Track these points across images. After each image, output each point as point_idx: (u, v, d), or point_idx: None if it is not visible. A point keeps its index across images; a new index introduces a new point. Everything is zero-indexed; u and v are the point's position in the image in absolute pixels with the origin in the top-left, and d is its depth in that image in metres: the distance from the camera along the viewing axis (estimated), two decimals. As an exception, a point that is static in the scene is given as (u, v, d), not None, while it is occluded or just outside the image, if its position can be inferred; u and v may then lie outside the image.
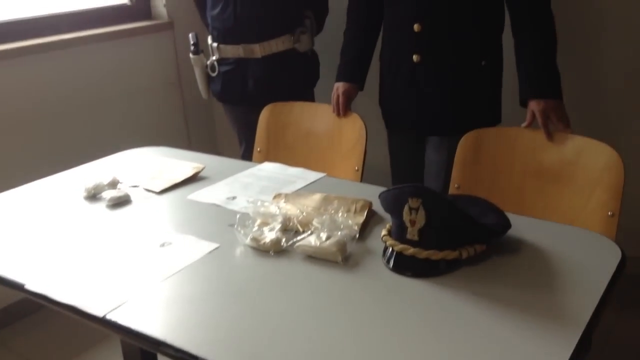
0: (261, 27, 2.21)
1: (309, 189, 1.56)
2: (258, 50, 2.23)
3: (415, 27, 1.81)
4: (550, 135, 1.66)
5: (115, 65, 2.62)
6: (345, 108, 2.01)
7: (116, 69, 2.63)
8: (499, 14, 1.83)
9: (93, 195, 1.57)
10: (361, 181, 1.89)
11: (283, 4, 2.21)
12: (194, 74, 2.43)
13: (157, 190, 1.60)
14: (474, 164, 1.75)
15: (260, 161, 2.04)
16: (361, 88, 2.05)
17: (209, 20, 2.33)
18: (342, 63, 2.05)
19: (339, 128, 2.04)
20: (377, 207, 1.31)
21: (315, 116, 2.13)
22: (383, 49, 2.00)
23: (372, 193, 1.34)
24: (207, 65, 2.37)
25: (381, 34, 2.01)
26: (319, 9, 2.32)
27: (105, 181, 1.60)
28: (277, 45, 2.24)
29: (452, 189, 1.74)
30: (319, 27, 2.34)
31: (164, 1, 2.77)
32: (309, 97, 2.37)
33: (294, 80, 2.29)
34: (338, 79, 2.04)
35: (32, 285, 1.16)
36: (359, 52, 2.02)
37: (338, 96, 2.01)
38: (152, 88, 2.79)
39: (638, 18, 2.02)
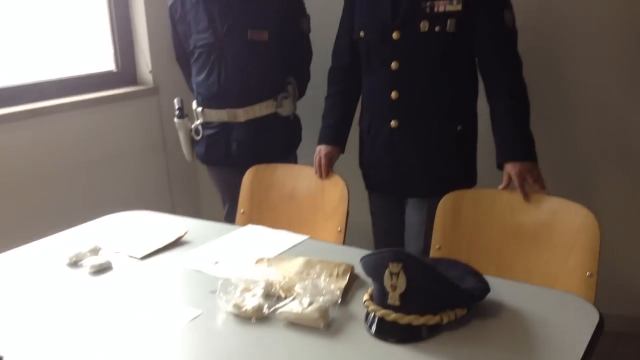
0: (245, 93, 2.27)
1: (292, 252, 1.57)
2: (241, 114, 2.29)
3: (393, 94, 1.88)
4: (526, 197, 1.70)
5: (101, 129, 2.66)
6: (327, 170, 2.05)
7: (102, 134, 2.66)
8: (473, 81, 1.91)
9: (75, 263, 1.57)
10: (344, 242, 1.91)
11: (266, 71, 2.28)
12: (178, 138, 2.47)
13: (140, 256, 1.60)
14: (453, 225, 1.77)
15: (244, 222, 2.06)
16: (342, 150, 2.10)
17: (194, 85, 2.39)
18: (323, 127, 2.10)
19: (322, 189, 2.07)
20: (360, 270, 1.32)
21: (299, 178, 2.16)
22: (362, 114, 2.06)
23: (354, 256, 1.35)
24: (191, 129, 2.41)
25: (360, 99, 2.07)
26: (301, 76, 2.39)
27: (87, 248, 1.60)
28: (260, 109, 2.30)
29: (434, 250, 1.76)
30: (300, 92, 2.41)
31: (149, 67, 2.83)
32: (292, 159, 2.41)
33: (277, 144, 2.34)
34: (320, 142, 2.08)
35: (10, 358, 1.14)
36: (340, 117, 2.08)
37: (320, 158, 2.05)
38: (136, 152, 2.82)
39: (608, 86, 2.11)
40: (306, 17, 2.33)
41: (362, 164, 2.10)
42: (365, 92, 2.03)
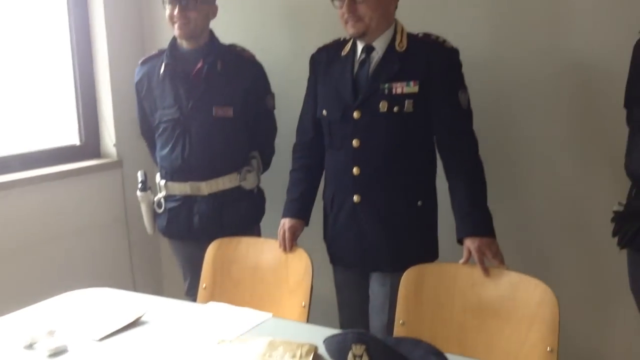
0: (208, 167, 2.29)
1: (255, 332, 1.55)
2: (204, 188, 2.30)
3: (354, 170, 1.93)
4: (486, 271, 1.74)
5: (63, 203, 2.63)
6: (291, 243, 2.05)
7: (64, 208, 2.63)
8: (432, 158, 1.98)
9: (30, 345, 1.52)
10: (308, 317, 1.89)
11: (230, 146, 2.30)
12: (140, 211, 2.45)
13: (97, 338, 1.55)
14: (416, 299, 1.79)
15: (206, 298, 2.03)
16: (307, 223, 2.12)
17: (158, 159, 2.40)
18: (288, 200, 2.13)
19: (286, 263, 2.07)
20: (324, 350, 1.31)
21: (262, 251, 2.15)
22: (326, 188, 2.09)
23: (318, 335, 1.35)
24: (153, 202, 2.41)
25: (324, 174, 2.11)
26: (265, 150, 2.43)
27: (43, 329, 1.55)
28: (224, 183, 2.31)
29: (397, 325, 1.77)
30: (265, 166, 2.44)
31: (113, 141, 2.84)
32: (255, 232, 2.41)
33: (239, 217, 2.34)
34: (284, 215, 2.10)
35: None
36: (304, 190, 2.11)
37: (284, 232, 2.06)
38: (98, 226, 2.79)
39: (561, 162, 2.20)
40: (271, 95, 2.39)
41: (326, 238, 2.12)
42: (328, 167, 2.07)
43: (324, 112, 2.01)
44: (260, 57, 2.37)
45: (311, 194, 2.13)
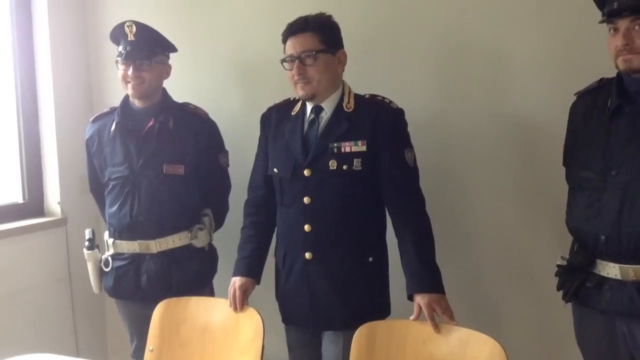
0: (157, 225, 2.25)
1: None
2: (154, 246, 2.25)
3: (306, 227, 1.94)
4: (436, 327, 1.75)
5: (4, 263, 2.53)
6: (242, 302, 2.02)
7: (4, 268, 2.53)
8: (382, 214, 2.01)
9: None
10: (260, 378, 1.85)
11: (180, 204, 2.28)
12: (85, 270, 2.38)
13: (36, 410, 1.47)
14: (369, 357, 1.78)
15: (153, 363, 1.96)
16: (258, 282, 2.09)
17: (107, 217, 2.35)
18: (239, 259, 2.10)
19: (236, 323, 2.03)
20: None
21: (212, 311, 2.10)
22: (278, 245, 2.09)
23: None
24: (100, 260, 2.34)
25: (275, 231, 2.11)
26: (218, 208, 2.40)
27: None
28: (174, 241, 2.27)
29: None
30: (218, 223, 2.41)
31: (58, 199, 2.78)
32: (207, 292, 2.36)
33: (190, 276, 2.29)
34: (235, 274, 2.07)
35: None
36: (255, 248, 2.10)
37: (235, 290, 2.03)
38: (40, 287, 2.70)
39: (506, 214, 2.27)
40: (224, 153, 2.39)
41: (278, 296, 2.09)
42: (280, 224, 2.07)
43: (275, 169, 2.03)
44: (213, 114, 2.39)
45: (262, 252, 2.11)
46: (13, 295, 2.57)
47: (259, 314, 1.97)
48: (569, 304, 1.80)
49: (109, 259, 2.32)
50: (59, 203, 2.79)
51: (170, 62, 2.35)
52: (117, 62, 2.25)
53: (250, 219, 2.13)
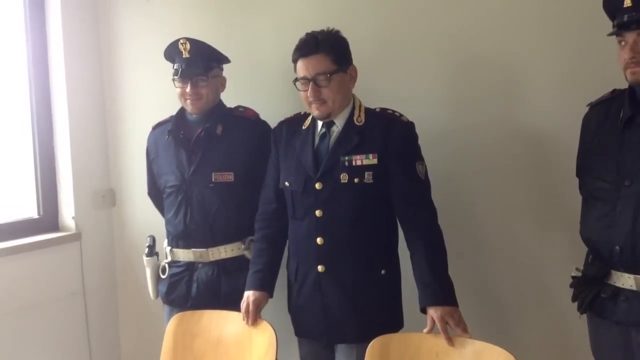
0: (209, 234, 2.26)
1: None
2: (207, 255, 2.27)
3: (318, 240, 1.94)
4: (450, 340, 1.75)
5: (19, 278, 2.55)
6: (255, 316, 2.02)
7: (19, 283, 2.55)
8: (394, 227, 2.01)
9: None
10: (272, 391, 1.85)
11: (231, 213, 2.26)
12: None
13: None
14: (383, 371, 1.77)
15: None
16: (271, 295, 2.10)
17: (165, 223, 2.38)
18: (251, 272, 2.11)
19: (249, 336, 2.03)
20: None
21: (225, 325, 2.11)
22: (290, 258, 2.09)
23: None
24: (159, 267, 2.38)
25: (287, 244, 2.12)
26: None
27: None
28: (226, 251, 2.27)
29: (364, 398, 1.74)
30: None
31: (72, 213, 2.81)
32: None
33: (239, 287, 2.22)
34: (248, 288, 2.08)
35: None
36: (267, 262, 2.10)
37: (248, 304, 2.03)
38: (54, 302, 2.71)
39: (518, 230, 2.26)
40: None
41: (291, 309, 2.10)
42: (291, 237, 2.08)
43: (287, 183, 2.04)
44: (268, 115, 2.34)
45: (275, 265, 2.12)
46: (28, 309, 2.59)
47: (272, 327, 1.97)
48: (584, 316, 1.79)
49: (166, 266, 2.35)
50: (73, 218, 2.81)
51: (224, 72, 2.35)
52: (173, 80, 2.27)
53: (262, 233, 2.14)
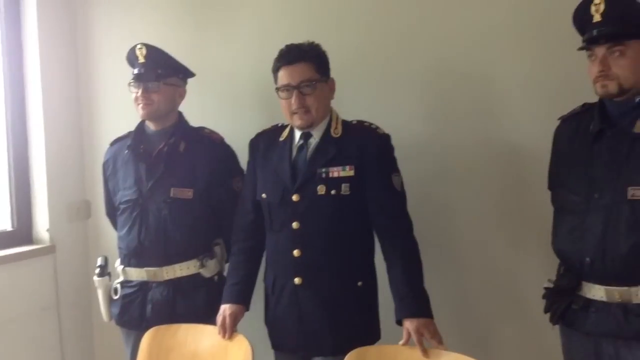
0: (164, 252, 2.22)
1: None
2: (161, 274, 2.23)
3: (295, 252, 1.94)
4: (425, 352, 1.75)
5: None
6: (232, 330, 2.01)
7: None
8: (370, 238, 2.02)
9: None
10: (249, 407, 1.83)
11: (189, 231, 2.23)
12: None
13: None
14: (359, 383, 1.77)
15: (141, 393, 1.93)
16: (247, 308, 2.08)
17: (117, 241, 2.34)
18: (227, 285, 2.09)
19: (225, 350, 2.02)
20: None
21: (201, 339, 2.09)
22: (267, 271, 2.09)
23: None
24: (111, 288, 2.32)
25: (264, 256, 2.11)
26: (230, 237, 2.27)
27: None
28: (181, 270, 2.24)
29: (340, 410, 1.74)
30: (230, 253, 2.30)
31: (47, 226, 2.77)
32: (214, 323, 2.29)
33: (195, 307, 2.22)
34: (224, 301, 2.06)
35: None
36: (244, 275, 2.09)
37: (224, 318, 2.02)
38: (28, 315, 2.66)
39: (494, 241, 2.29)
40: (240, 177, 2.28)
41: (267, 322, 2.08)
42: (269, 249, 2.07)
43: (264, 195, 2.03)
44: (233, 139, 2.34)
45: (252, 278, 2.10)
46: (0, 323, 2.54)
47: (248, 340, 1.96)
48: (557, 326, 1.81)
49: (118, 286, 2.30)
50: (47, 230, 2.77)
51: (189, 85, 2.34)
52: (129, 84, 2.26)
53: (238, 245, 2.13)
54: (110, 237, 2.65)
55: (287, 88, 1.94)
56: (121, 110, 2.75)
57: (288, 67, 1.94)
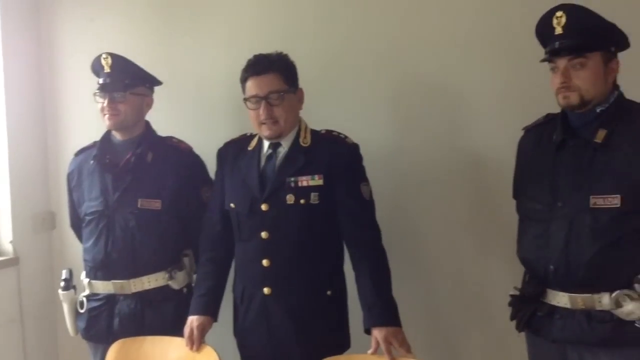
0: (132, 264, 2.18)
1: None
2: (129, 286, 2.18)
3: (264, 262, 1.93)
4: (394, 361, 1.76)
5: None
6: (199, 342, 1.98)
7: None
8: (339, 248, 2.02)
9: None
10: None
11: (156, 242, 2.20)
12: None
13: None
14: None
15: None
16: (215, 319, 2.06)
17: (83, 253, 2.29)
18: (195, 297, 2.07)
19: (193, 362, 1.99)
20: None
21: (168, 351, 2.06)
22: (236, 281, 2.07)
23: None
24: (77, 302, 2.27)
25: (233, 267, 2.09)
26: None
27: None
28: (150, 282, 2.20)
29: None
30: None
31: (10, 237, 2.71)
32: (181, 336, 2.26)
33: (164, 319, 2.18)
34: (192, 313, 2.03)
35: None
36: (213, 285, 2.07)
37: (192, 330, 1.99)
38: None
39: (462, 246, 2.32)
40: (208, 187, 2.24)
41: (236, 333, 2.07)
42: (237, 259, 2.06)
43: (232, 204, 2.02)
44: (199, 148, 2.32)
45: (220, 289, 2.09)
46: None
47: (217, 352, 1.94)
48: (523, 333, 1.83)
49: (84, 299, 2.25)
50: (11, 242, 2.71)
51: (157, 94, 2.31)
52: (95, 94, 2.22)
53: (206, 255, 2.11)
54: (75, 249, 2.60)
55: (255, 99, 1.93)
56: (87, 120, 2.71)
57: (256, 78, 1.94)
